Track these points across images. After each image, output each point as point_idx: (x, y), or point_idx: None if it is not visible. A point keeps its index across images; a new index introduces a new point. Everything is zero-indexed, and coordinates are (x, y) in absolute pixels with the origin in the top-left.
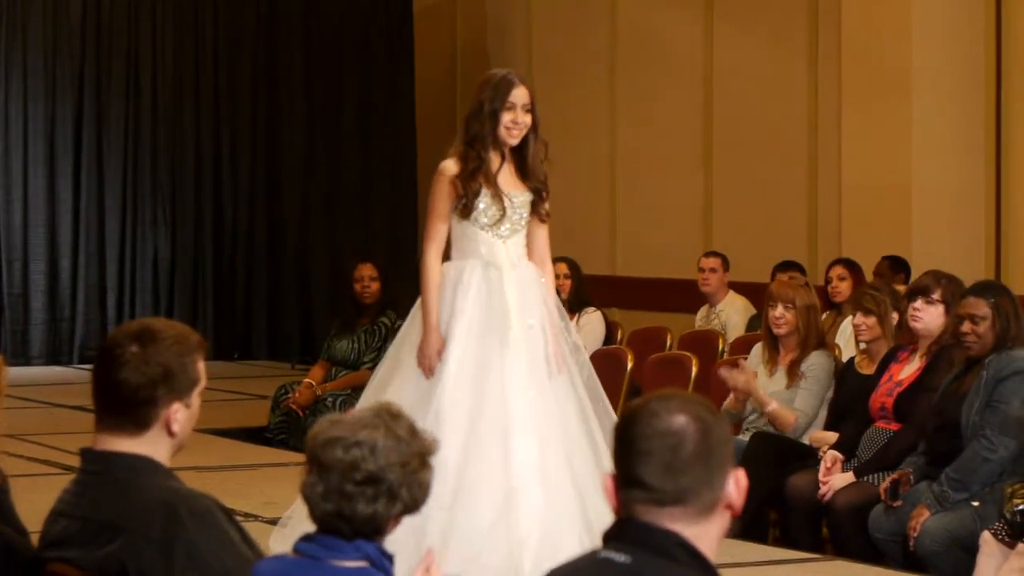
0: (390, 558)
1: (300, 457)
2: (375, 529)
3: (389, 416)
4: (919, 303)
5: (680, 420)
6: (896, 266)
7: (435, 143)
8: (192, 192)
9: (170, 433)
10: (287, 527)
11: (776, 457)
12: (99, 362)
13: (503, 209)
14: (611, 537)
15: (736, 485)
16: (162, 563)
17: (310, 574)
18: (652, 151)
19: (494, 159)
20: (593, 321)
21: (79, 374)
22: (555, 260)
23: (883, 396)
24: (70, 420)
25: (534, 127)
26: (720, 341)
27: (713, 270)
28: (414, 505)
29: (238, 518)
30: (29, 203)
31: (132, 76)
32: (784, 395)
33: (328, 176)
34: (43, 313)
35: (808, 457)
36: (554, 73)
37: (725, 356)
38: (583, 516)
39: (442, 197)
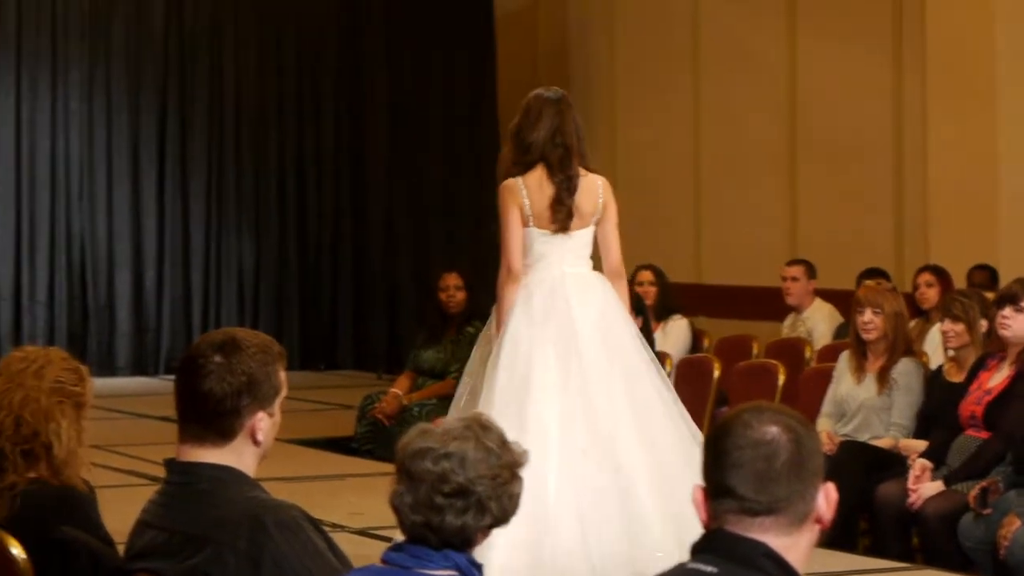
0: (479, 567)
1: (386, 467)
2: (464, 541)
3: (479, 427)
4: (1008, 311)
5: (773, 431)
6: (986, 274)
7: None
8: (276, 201)
9: (255, 442)
10: None
11: (865, 465)
12: (183, 373)
13: None
14: (700, 549)
15: (826, 498)
16: (249, 573)
17: None
18: (736, 157)
19: None
20: (679, 329)
21: (164, 385)
22: (640, 267)
23: (972, 404)
24: (156, 431)
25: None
26: (807, 349)
27: (795, 279)
28: (504, 517)
29: (326, 528)
30: (114, 214)
31: (215, 85)
32: (876, 402)
33: (412, 184)
34: (128, 324)
35: (897, 465)
36: (637, 77)
37: (812, 364)
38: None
39: None
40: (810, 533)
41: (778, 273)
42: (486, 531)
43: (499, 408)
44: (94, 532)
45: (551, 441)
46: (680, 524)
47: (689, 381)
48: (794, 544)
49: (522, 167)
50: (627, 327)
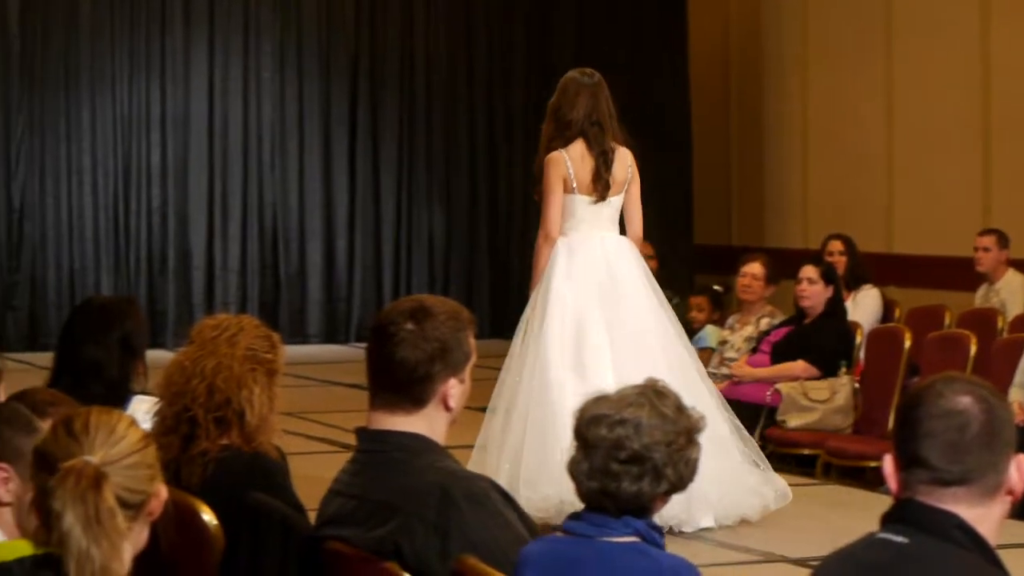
0: (660, 531)
1: None
2: (640, 507)
3: (654, 394)
4: None
5: (965, 401)
6: None
7: (709, 120)
8: (467, 171)
9: (446, 408)
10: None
11: None
12: (374, 340)
13: None
14: (891, 519)
15: (1018, 469)
16: (438, 545)
17: (582, 552)
18: (929, 128)
19: None
20: (869, 298)
21: (355, 352)
22: (831, 237)
23: None
24: (347, 398)
25: None
26: (1000, 319)
27: (987, 249)
28: (680, 483)
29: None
30: (305, 183)
31: (406, 55)
32: None
33: None
34: (320, 292)
35: None
36: (831, 48)
37: (1005, 335)
38: None
39: None
40: (1002, 505)
41: (971, 243)
42: (664, 497)
43: (556, 355)
44: (285, 499)
45: (608, 386)
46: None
47: (880, 351)
48: (986, 515)
49: (563, 141)
50: (654, 290)
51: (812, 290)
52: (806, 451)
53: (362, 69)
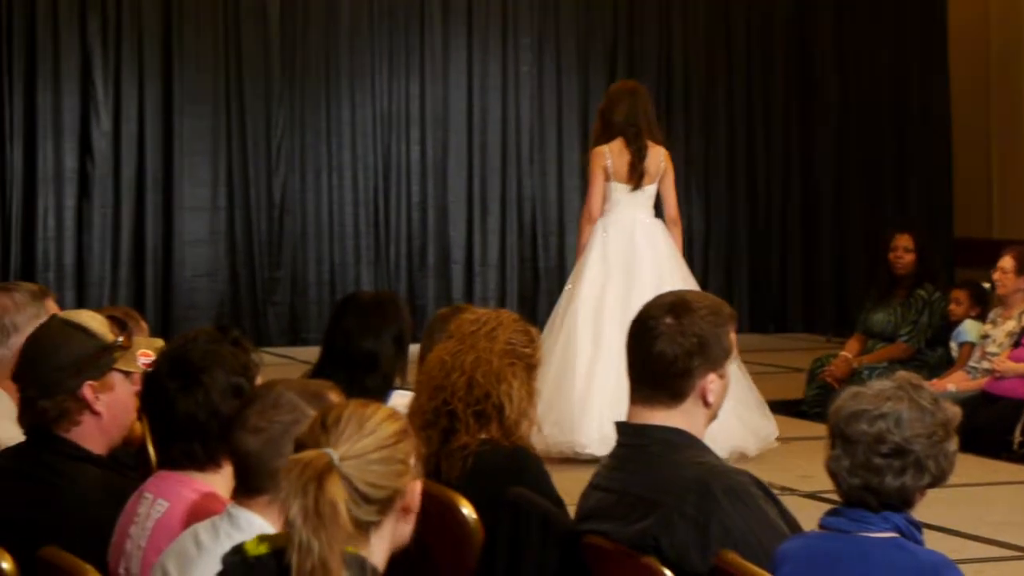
0: (919, 527)
1: None
2: (903, 501)
3: (911, 387)
4: None
5: None
6: None
7: (969, 111)
8: (725, 166)
9: (705, 404)
10: None
11: None
12: (634, 334)
13: None
14: None
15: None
16: (697, 540)
17: (840, 547)
18: None
19: None
20: None
21: None
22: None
23: None
24: None
25: None
26: None
27: None
28: (941, 476)
29: (775, 492)
30: (564, 176)
31: (664, 51)
32: None
33: (862, 146)
34: None
35: None
36: None
37: None
38: None
39: None
40: None
41: None
42: (924, 491)
43: (581, 324)
44: (544, 493)
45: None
46: None
47: None
48: None
49: (605, 138)
50: (680, 268)
51: None
52: None
53: (620, 62)
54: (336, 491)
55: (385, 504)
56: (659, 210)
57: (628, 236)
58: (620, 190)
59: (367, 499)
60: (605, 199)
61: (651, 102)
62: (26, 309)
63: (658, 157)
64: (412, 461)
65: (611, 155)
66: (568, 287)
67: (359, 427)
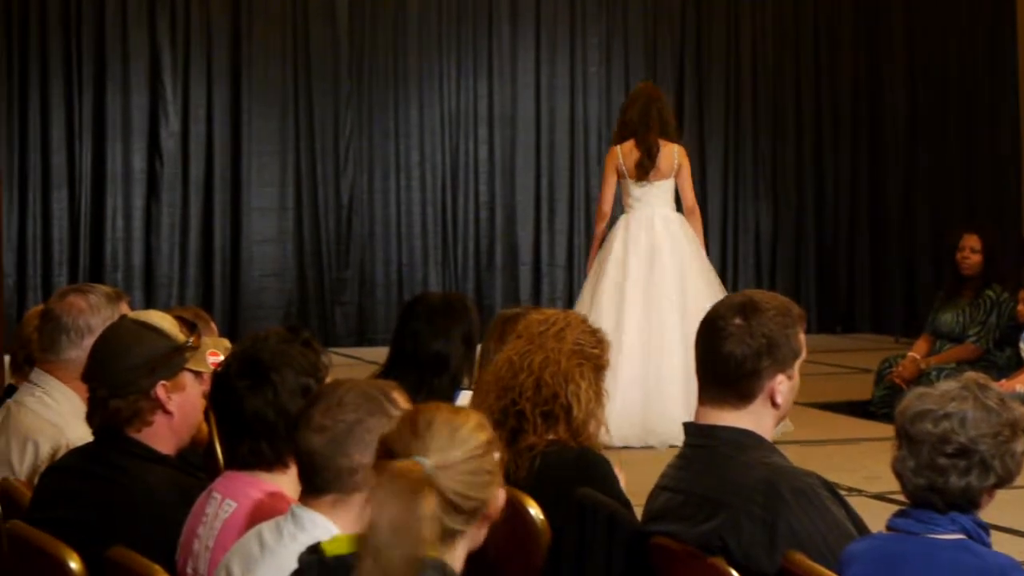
0: (986, 529)
1: None
2: (969, 501)
3: (977, 387)
4: None
5: None
6: None
7: None
8: (794, 166)
9: (774, 405)
10: None
11: None
12: (703, 335)
13: None
14: None
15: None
16: (764, 541)
17: (906, 549)
18: None
19: None
20: None
21: None
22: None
23: None
24: None
25: None
26: None
27: None
28: (1008, 477)
29: (842, 493)
30: None
31: (732, 51)
32: None
33: (931, 148)
34: None
35: None
36: None
37: None
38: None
39: None
40: None
41: None
42: (991, 491)
43: (605, 309)
44: (611, 494)
45: (635, 335)
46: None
47: None
48: None
49: (620, 138)
50: (698, 256)
51: None
52: None
53: (687, 63)
54: (429, 506)
55: (472, 514)
56: (679, 204)
57: (648, 228)
58: (635, 186)
59: (457, 509)
60: (625, 195)
61: (666, 103)
62: (101, 312)
63: (671, 154)
64: (498, 471)
65: (623, 155)
66: (593, 281)
67: (451, 436)
